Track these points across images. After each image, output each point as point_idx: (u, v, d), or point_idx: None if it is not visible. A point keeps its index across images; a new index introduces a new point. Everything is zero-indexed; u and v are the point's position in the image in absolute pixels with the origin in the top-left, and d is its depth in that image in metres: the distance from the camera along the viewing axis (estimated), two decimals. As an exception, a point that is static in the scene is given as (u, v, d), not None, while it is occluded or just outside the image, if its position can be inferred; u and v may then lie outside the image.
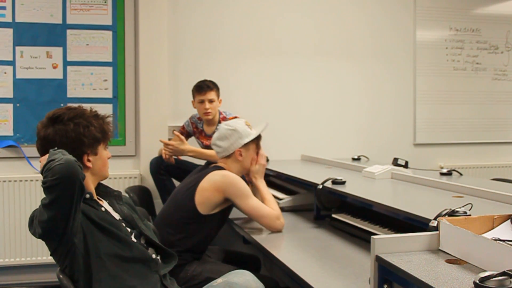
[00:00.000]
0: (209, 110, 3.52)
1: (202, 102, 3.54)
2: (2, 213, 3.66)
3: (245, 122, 2.57)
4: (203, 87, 3.54)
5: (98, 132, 1.84)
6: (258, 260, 2.80)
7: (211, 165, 2.58)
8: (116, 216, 1.86)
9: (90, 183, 1.83)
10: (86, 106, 1.96)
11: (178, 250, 2.19)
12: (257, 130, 2.57)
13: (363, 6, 4.44)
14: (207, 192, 2.35)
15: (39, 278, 3.77)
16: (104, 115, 1.92)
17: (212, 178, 2.38)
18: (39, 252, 3.71)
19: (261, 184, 2.57)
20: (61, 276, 1.69)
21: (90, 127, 1.83)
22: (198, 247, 2.40)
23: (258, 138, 2.57)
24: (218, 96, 3.60)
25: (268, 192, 2.55)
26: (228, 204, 2.43)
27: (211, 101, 3.52)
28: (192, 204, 2.34)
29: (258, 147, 2.57)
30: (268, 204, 2.46)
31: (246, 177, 2.61)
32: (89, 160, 1.82)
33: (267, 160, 3.98)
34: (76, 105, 1.97)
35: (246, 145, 2.51)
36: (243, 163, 2.53)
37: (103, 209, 1.80)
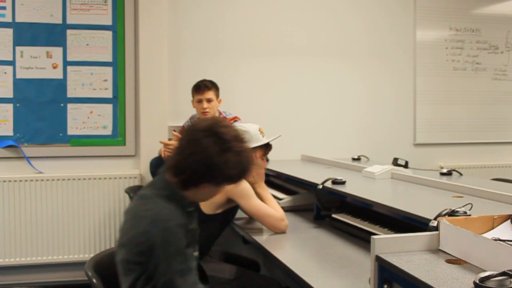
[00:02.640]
0: (207, 110, 3.52)
1: (200, 101, 3.54)
2: (2, 213, 3.65)
3: (259, 128, 2.57)
4: (201, 87, 3.54)
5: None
6: (257, 265, 2.80)
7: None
8: None
9: None
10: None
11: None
12: (268, 138, 2.57)
13: (363, 7, 4.44)
14: None
15: (39, 278, 3.77)
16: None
17: None
18: (39, 252, 3.71)
19: (262, 189, 2.56)
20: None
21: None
22: (201, 247, 2.40)
23: (267, 147, 2.57)
24: (217, 96, 3.60)
25: (270, 196, 2.54)
26: (231, 205, 2.43)
27: (209, 100, 3.53)
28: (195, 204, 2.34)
29: (265, 155, 2.57)
30: (271, 206, 2.46)
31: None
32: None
33: (267, 160, 3.99)
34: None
35: (253, 149, 2.50)
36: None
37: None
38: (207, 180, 1.66)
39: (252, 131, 2.51)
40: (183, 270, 1.55)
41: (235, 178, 1.70)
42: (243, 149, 1.67)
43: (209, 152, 1.60)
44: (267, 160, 3.97)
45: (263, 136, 2.55)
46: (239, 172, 1.67)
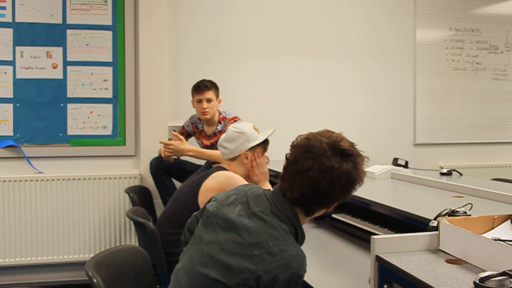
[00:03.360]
0: (206, 110, 3.52)
1: (200, 101, 3.54)
2: (2, 213, 3.65)
3: (253, 126, 2.57)
4: (200, 87, 3.54)
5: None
6: None
7: (214, 165, 2.58)
8: None
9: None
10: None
11: (181, 251, 2.18)
12: (264, 134, 2.57)
13: (364, 7, 4.44)
14: (210, 192, 2.34)
15: (39, 278, 3.77)
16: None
17: (215, 179, 2.38)
18: (39, 252, 3.71)
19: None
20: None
21: (361, 178, 1.56)
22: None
23: (265, 143, 2.57)
24: (217, 96, 3.60)
25: None
26: None
27: (209, 100, 3.53)
28: (195, 204, 2.34)
29: (264, 151, 2.56)
30: None
31: (248, 180, 2.61)
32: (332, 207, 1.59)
33: (267, 160, 3.99)
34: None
35: (252, 148, 2.50)
36: (248, 167, 2.52)
37: None
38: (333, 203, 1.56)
39: (248, 130, 2.51)
40: None
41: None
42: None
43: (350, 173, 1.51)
44: (267, 160, 3.98)
45: (258, 133, 2.55)
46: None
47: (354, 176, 1.52)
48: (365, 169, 1.59)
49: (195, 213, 1.74)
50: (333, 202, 1.55)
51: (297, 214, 1.53)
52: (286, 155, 1.58)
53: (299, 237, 1.54)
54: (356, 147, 1.60)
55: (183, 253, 1.63)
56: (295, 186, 1.50)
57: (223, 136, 2.56)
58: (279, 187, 1.56)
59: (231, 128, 2.53)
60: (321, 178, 1.47)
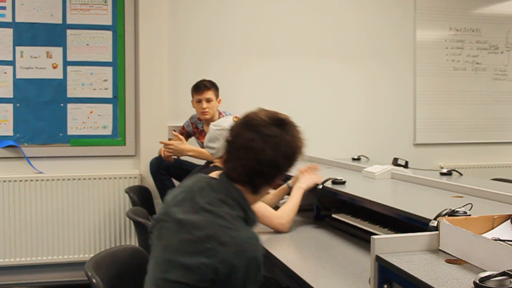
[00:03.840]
0: (206, 110, 3.52)
1: (199, 101, 3.54)
2: (2, 213, 3.66)
3: (233, 118, 2.56)
4: (200, 87, 3.55)
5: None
6: None
7: (211, 165, 2.58)
8: None
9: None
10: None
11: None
12: None
13: (364, 7, 4.44)
14: None
15: (39, 278, 3.77)
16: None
17: None
18: (39, 252, 3.71)
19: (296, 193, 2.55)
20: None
21: (302, 147, 1.59)
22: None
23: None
24: (216, 95, 3.60)
25: (291, 201, 2.52)
26: None
27: (208, 100, 3.53)
28: None
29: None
30: (284, 207, 2.46)
31: None
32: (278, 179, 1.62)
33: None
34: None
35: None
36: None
37: None
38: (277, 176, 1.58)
39: (228, 125, 2.50)
40: None
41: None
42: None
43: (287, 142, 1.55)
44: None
45: None
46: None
47: (295, 144, 1.57)
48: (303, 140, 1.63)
49: (154, 216, 1.72)
50: (278, 173, 1.58)
51: (243, 195, 1.54)
52: (226, 139, 1.62)
53: (250, 219, 1.55)
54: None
55: (149, 262, 1.63)
56: (239, 161, 1.54)
57: (206, 137, 2.56)
58: (224, 171, 1.59)
59: (212, 126, 2.53)
60: (264, 146, 1.51)
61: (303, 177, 2.62)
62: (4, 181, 3.66)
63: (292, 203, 2.49)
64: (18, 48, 3.75)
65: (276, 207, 2.53)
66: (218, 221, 1.46)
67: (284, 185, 2.71)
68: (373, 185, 2.75)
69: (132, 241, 3.84)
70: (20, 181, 3.68)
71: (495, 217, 1.54)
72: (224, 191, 1.54)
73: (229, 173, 1.57)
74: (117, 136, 3.93)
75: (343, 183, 2.62)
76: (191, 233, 1.46)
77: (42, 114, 3.80)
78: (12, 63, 3.74)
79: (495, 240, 1.35)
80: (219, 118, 3.62)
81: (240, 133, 1.56)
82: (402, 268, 1.32)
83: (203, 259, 1.41)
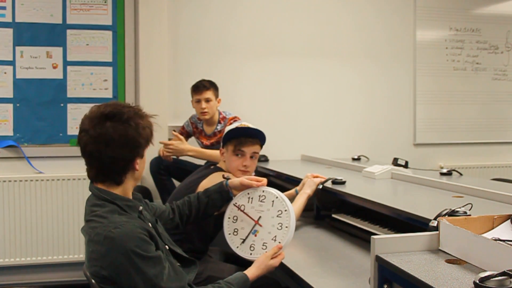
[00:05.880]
0: (205, 110, 3.52)
1: (199, 101, 3.55)
2: (2, 213, 3.65)
3: (241, 124, 2.56)
4: (199, 87, 3.55)
5: (150, 134, 1.72)
6: None
7: (211, 166, 2.58)
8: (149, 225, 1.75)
9: (131, 190, 1.74)
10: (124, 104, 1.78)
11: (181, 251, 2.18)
12: (227, 128, 2.58)
13: (364, 7, 4.44)
14: None
15: (39, 278, 3.77)
16: (149, 114, 1.77)
17: (213, 180, 2.38)
18: (39, 252, 3.71)
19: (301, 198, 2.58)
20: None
21: (146, 128, 1.69)
22: (199, 247, 2.40)
23: (235, 138, 2.45)
24: (216, 95, 3.60)
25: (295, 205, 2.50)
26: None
27: (207, 100, 3.53)
28: None
29: (237, 146, 2.44)
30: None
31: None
32: (137, 163, 1.69)
33: (267, 160, 3.99)
34: (125, 103, 1.80)
35: (225, 144, 2.50)
36: (227, 163, 2.51)
37: (150, 224, 1.75)
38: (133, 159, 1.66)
39: (227, 129, 2.52)
40: (160, 271, 1.54)
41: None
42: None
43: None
44: (267, 160, 3.98)
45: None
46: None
47: (130, 131, 1.63)
48: (150, 119, 1.74)
49: None
50: (125, 162, 1.65)
51: (109, 191, 1.65)
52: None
53: (125, 207, 1.64)
54: (132, 106, 1.74)
55: None
56: (90, 167, 1.67)
57: None
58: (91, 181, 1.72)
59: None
60: (97, 148, 1.61)
61: (308, 182, 2.62)
62: (4, 181, 3.66)
63: (296, 207, 2.49)
64: (18, 48, 3.75)
65: None
66: (97, 224, 1.58)
67: (292, 191, 2.72)
68: (373, 185, 2.76)
69: (132, 241, 3.83)
70: (20, 181, 3.68)
71: (495, 217, 1.54)
72: (95, 196, 1.67)
73: (93, 180, 1.71)
74: (117, 136, 3.92)
75: (343, 183, 2.62)
76: (87, 245, 1.62)
77: (42, 114, 3.80)
78: (12, 63, 3.74)
79: (495, 240, 1.35)
80: (219, 118, 3.62)
81: (79, 142, 1.68)
82: (402, 268, 1.32)
83: (94, 263, 1.57)
